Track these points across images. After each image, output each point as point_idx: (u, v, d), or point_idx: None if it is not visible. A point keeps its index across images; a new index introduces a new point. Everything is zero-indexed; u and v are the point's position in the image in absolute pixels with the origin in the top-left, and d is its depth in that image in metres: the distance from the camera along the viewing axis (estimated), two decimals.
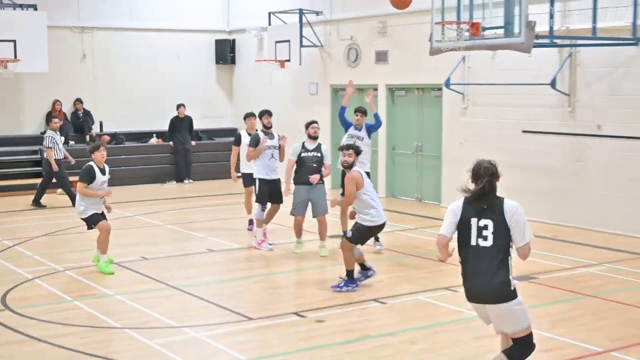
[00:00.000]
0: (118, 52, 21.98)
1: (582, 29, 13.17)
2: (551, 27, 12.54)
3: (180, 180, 21.29)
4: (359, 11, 18.92)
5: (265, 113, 12.98)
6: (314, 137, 12.28)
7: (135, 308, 9.52)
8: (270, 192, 12.70)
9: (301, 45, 19.74)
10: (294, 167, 12.23)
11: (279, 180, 12.83)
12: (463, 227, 6.36)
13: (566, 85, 14.48)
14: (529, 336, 6.40)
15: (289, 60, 19.90)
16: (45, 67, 19.08)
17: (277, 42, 20.20)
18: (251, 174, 13.08)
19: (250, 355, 7.89)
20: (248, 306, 9.67)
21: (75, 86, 21.26)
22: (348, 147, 10.33)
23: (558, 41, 13.58)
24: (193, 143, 21.47)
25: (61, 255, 12.33)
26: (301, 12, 19.84)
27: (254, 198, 13.09)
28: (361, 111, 13.01)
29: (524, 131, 15.33)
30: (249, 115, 14.23)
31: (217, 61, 23.34)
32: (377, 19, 18.36)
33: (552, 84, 14.29)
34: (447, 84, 16.16)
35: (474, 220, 6.31)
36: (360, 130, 12.91)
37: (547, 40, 12.92)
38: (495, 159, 16.14)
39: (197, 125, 21.87)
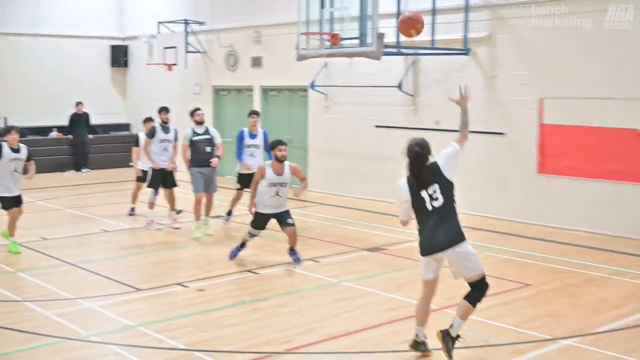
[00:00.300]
0: (23, 55, 21.03)
1: (423, 41, 13.42)
2: (398, 39, 12.76)
3: (78, 169, 20.67)
4: (237, 22, 18.71)
5: (163, 110, 12.75)
6: (200, 122, 11.91)
7: (34, 283, 9.13)
8: (164, 178, 12.42)
9: (186, 51, 19.43)
10: (188, 152, 11.83)
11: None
12: (418, 203, 6.32)
13: (410, 88, 14.78)
14: (484, 277, 6.36)
15: (175, 64, 19.55)
16: None
17: (165, 48, 19.83)
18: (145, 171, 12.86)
19: (138, 321, 7.69)
20: (137, 279, 9.41)
21: None
22: (282, 142, 9.81)
23: (404, 50, 13.81)
24: (90, 136, 20.81)
25: None
26: (186, 22, 19.50)
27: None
28: (256, 113, 12.51)
29: (376, 126, 15.57)
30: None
31: (112, 64, 22.71)
32: (253, 29, 18.22)
33: (399, 86, 14.57)
34: (312, 85, 16.23)
35: (424, 193, 6.29)
36: (256, 137, 12.28)
37: (394, 50, 13.13)
38: (353, 150, 16.40)
39: (94, 121, 21.20)
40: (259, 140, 12.29)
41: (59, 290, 8.79)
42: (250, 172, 11.54)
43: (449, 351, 6.31)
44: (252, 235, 10.04)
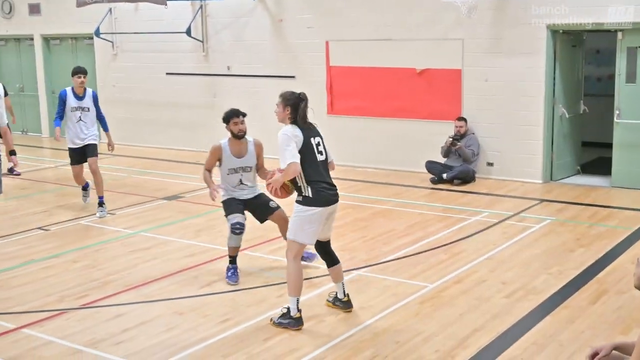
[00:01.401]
0: None
1: None
2: None
3: None
4: None
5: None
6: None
7: None
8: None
9: None
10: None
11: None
12: (307, 149, 5.86)
13: (199, 33, 14.52)
14: None
15: None
16: None
17: None
18: None
19: None
20: None
21: None
22: (240, 112, 7.36)
23: None
24: None
25: None
26: None
27: None
28: (83, 72, 9.79)
29: (167, 73, 15.19)
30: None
31: None
32: None
33: (188, 32, 14.26)
34: (97, 33, 15.47)
35: (312, 140, 5.93)
36: (82, 98, 9.77)
37: None
38: (144, 98, 15.92)
39: None
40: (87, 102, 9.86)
41: None
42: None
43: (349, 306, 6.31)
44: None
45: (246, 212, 7.27)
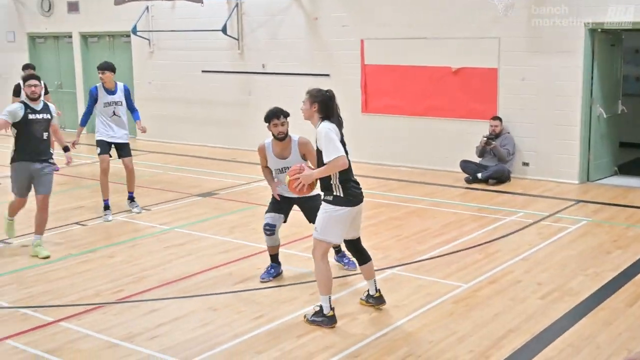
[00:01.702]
0: None
1: None
2: None
3: None
4: None
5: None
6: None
7: None
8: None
9: None
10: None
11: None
12: (343, 145, 5.84)
13: (235, 31, 14.59)
14: None
15: None
16: None
17: None
18: None
19: None
20: None
21: None
22: (281, 112, 6.85)
23: None
24: None
25: None
26: None
27: None
28: (103, 67, 9.66)
29: (203, 71, 15.30)
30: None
31: None
32: None
33: (223, 30, 14.34)
34: (134, 30, 15.63)
35: (343, 139, 5.87)
36: (114, 92, 9.71)
37: None
38: (180, 96, 16.03)
39: None
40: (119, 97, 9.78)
41: None
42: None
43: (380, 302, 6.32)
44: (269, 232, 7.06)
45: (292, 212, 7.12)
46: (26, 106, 7.92)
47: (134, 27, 15.54)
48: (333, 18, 13.40)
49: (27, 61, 17.76)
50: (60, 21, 17.64)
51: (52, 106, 8.24)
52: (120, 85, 9.88)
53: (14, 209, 8.38)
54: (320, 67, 13.58)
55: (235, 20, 14.54)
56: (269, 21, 14.16)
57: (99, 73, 9.71)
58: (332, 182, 5.85)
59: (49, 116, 8.06)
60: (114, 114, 9.74)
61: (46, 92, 11.92)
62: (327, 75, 13.46)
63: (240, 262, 7.66)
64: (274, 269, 7.10)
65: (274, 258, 7.12)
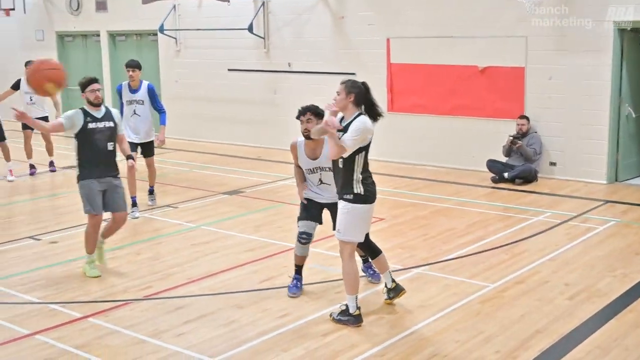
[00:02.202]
0: None
1: None
2: None
3: None
4: None
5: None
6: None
7: None
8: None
9: None
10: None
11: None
12: (370, 143, 5.79)
13: (261, 30, 14.62)
14: None
15: (13, 9, 18.29)
16: None
17: None
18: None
19: None
20: None
21: None
22: (308, 110, 6.49)
23: None
24: None
25: None
26: None
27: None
28: (131, 65, 9.72)
29: (229, 70, 15.35)
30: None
31: None
32: None
33: (250, 28, 14.38)
34: (161, 29, 15.73)
35: None
36: (136, 91, 9.82)
37: None
38: (206, 94, 16.07)
39: None
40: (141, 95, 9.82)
41: None
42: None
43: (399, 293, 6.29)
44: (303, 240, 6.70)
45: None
46: (85, 113, 7.12)
47: (161, 26, 15.64)
48: (359, 17, 13.37)
49: (54, 59, 17.99)
50: (88, 20, 17.80)
51: (115, 111, 7.41)
52: (145, 84, 9.89)
53: (106, 231, 7.48)
54: (346, 65, 13.56)
55: (261, 18, 14.57)
56: (295, 20, 14.17)
57: (128, 71, 9.74)
58: (354, 178, 5.78)
59: (112, 124, 7.20)
60: (134, 112, 9.77)
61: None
62: (353, 74, 13.40)
63: (266, 261, 7.68)
64: (300, 282, 6.72)
65: (300, 269, 6.73)
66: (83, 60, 18.38)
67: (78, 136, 7.12)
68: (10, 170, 12.03)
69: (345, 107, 5.81)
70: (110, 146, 7.20)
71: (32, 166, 12.57)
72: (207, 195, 10.83)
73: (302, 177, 6.73)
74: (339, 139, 5.67)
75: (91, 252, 7.29)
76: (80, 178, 7.19)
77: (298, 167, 6.74)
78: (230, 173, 12.53)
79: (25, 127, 12.23)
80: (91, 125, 7.10)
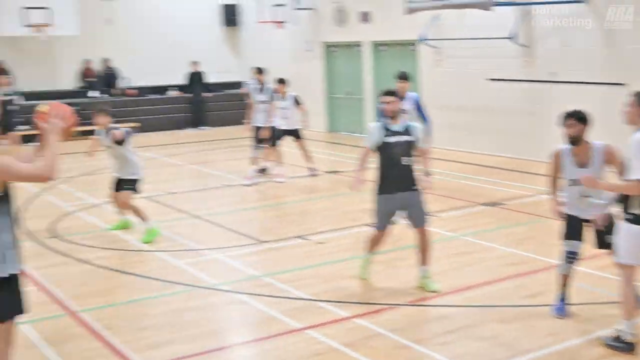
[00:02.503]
0: (139, 17, 21.44)
1: None
2: None
3: (195, 126, 21.19)
4: None
5: (257, 70, 13.25)
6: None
7: (164, 234, 9.45)
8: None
9: (296, 8, 19.45)
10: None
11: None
12: None
13: (524, 39, 14.27)
14: None
15: (285, 22, 19.63)
16: (78, 30, 19.03)
17: (274, 5, 19.88)
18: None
19: (262, 271, 7.89)
20: (258, 231, 9.65)
21: (102, 47, 20.81)
22: (570, 115, 6.15)
23: (516, 0, 13.37)
24: (207, 94, 21.21)
25: (97, 192, 12.18)
26: None
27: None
28: (407, 78, 10.73)
29: (489, 79, 15.17)
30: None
31: (227, 24, 22.80)
32: None
33: (512, 37, 14.10)
34: (423, 39, 15.94)
35: None
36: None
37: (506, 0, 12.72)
38: (465, 104, 16.00)
39: (208, 79, 21.48)
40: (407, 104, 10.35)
41: (186, 242, 9.11)
42: None
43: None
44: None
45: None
46: (384, 127, 7.07)
47: (423, 36, 15.83)
48: (629, 24, 12.55)
49: (321, 69, 18.97)
50: (352, 31, 18.53)
51: (416, 125, 7.23)
52: (411, 95, 10.52)
53: (372, 243, 7.46)
54: (615, 76, 12.81)
55: (524, 27, 14.22)
56: (561, 28, 13.64)
57: (398, 82, 10.36)
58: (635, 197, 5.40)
59: (411, 138, 7.03)
60: None
61: (297, 103, 12.70)
62: (622, 84, 12.65)
63: (530, 276, 7.49)
64: (566, 302, 6.39)
65: (565, 289, 6.38)
66: (345, 70, 19.16)
67: (377, 150, 7.10)
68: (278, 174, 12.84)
69: (636, 121, 5.42)
70: (404, 161, 7.03)
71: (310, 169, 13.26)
72: (466, 205, 10.78)
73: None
74: None
75: (370, 249, 7.46)
76: (376, 192, 7.23)
77: (552, 178, 6.37)
78: (488, 184, 12.35)
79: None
80: (388, 139, 7.00)
